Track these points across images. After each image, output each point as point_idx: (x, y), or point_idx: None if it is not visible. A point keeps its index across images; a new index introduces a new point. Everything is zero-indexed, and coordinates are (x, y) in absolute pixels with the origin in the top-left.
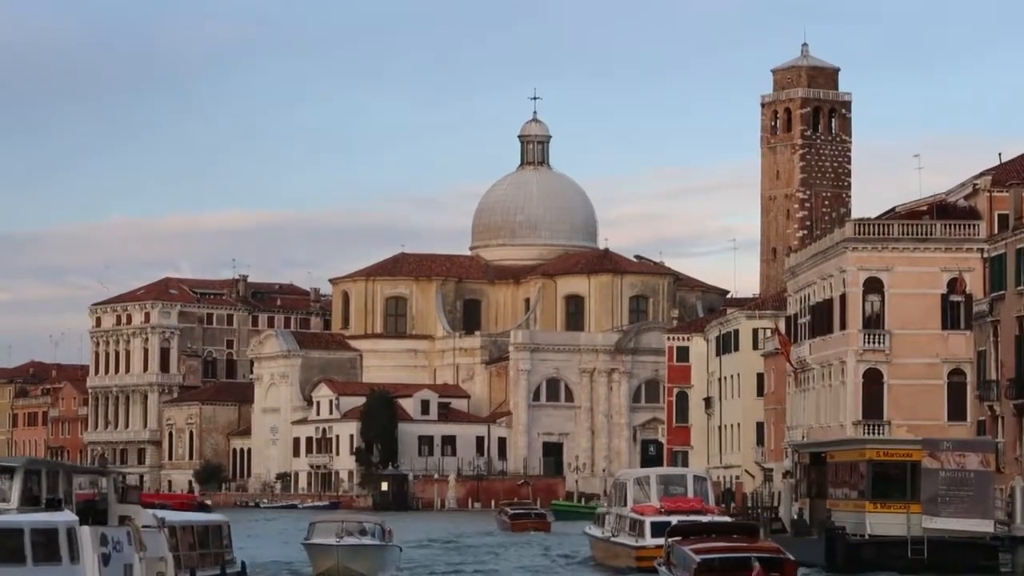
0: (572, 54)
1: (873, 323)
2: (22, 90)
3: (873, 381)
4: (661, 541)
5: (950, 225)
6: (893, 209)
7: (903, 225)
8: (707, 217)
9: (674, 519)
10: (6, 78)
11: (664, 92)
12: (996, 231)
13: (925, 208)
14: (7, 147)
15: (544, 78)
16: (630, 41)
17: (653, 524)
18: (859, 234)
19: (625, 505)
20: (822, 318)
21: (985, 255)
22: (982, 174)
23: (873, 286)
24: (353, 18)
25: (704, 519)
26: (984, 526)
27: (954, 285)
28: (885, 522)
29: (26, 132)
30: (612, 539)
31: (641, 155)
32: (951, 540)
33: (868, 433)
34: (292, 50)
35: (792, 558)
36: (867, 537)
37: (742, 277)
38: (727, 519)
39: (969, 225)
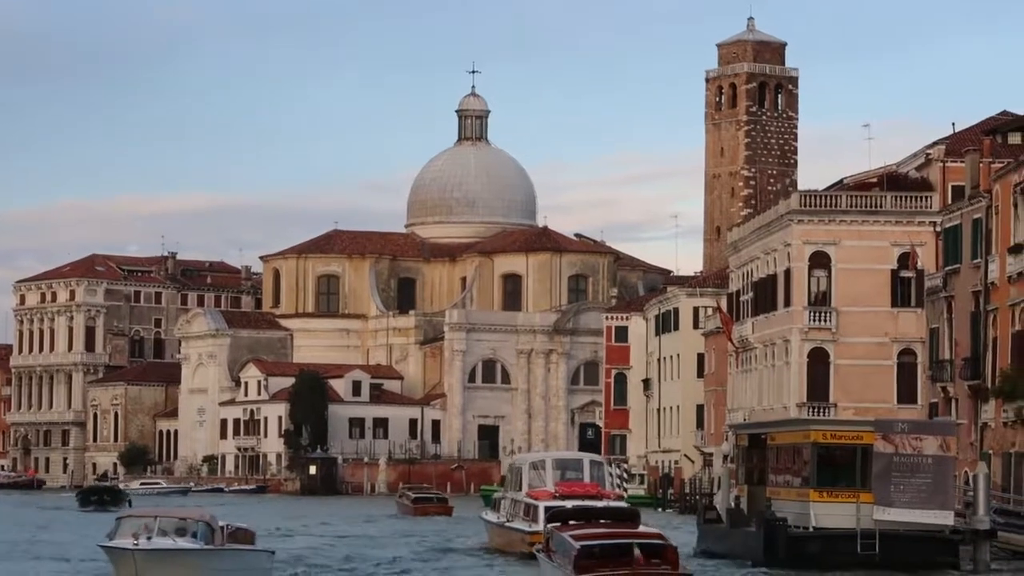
0: (511, 29)
1: (819, 300)
2: None
3: (818, 361)
4: None
5: (901, 197)
6: (841, 181)
7: (851, 197)
8: (654, 202)
9: (569, 504)
10: None
11: (607, 69)
12: (950, 203)
13: (875, 180)
14: None
15: (483, 54)
16: (571, 15)
17: (547, 509)
18: (805, 206)
19: (520, 490)
20: (765, 295)
21: (938, 228)
22: (935, 143)
23: (819, 261)
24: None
25: (599, 504)
26: (943, 518)
27: (905, 260)
28: (831, 513)
29: None
30: (506, 524)
31: (585, 135)
32: (906, 533)
33: (813, 415)
34: (234, 34)
35: (674, 544)
36: (811, 529)
37: (687, 259)
38: (622, 505)
39: (921, 197)
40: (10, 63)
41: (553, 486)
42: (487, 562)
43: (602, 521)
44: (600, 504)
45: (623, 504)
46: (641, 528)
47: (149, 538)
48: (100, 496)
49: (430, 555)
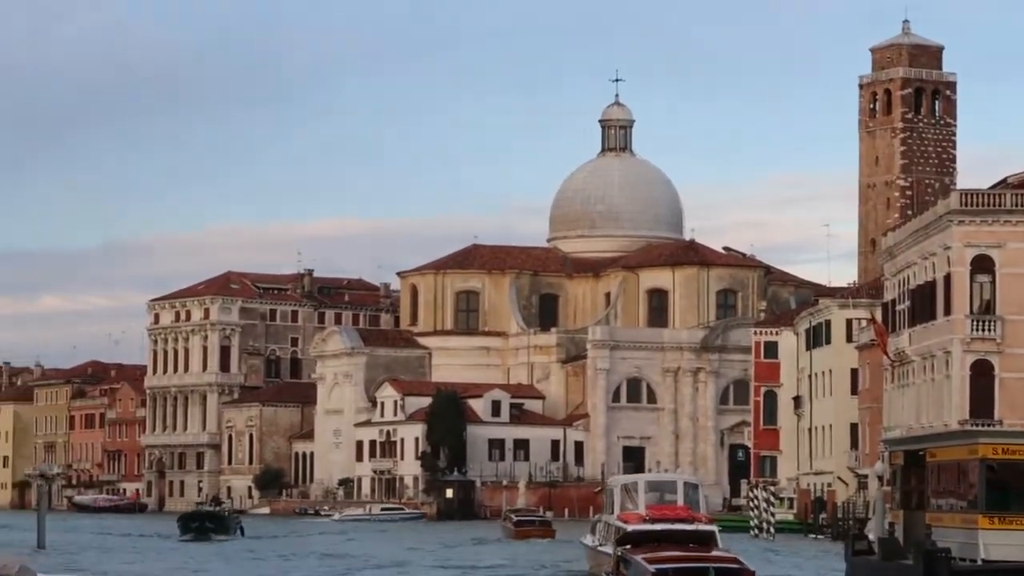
0: (656, 37)
1: (982, 308)
2: (131, 101)
3: (982, 374)
4: None
5: None
6: (1005, 180)
7: (1017, 195)
8: (806, 223)
9: (659, 527)
10: (112, 90)
11: (754, 75)
12: None
13: None
14: (113, 158)
15: (627, 62)
16: (718, 21)
17: (622, 531)
18: (966, 206)
19: (613, 513)
20: (923, 303)
21: None
22: None
23: (982, 265)
24: (431, 19)
25: (690, 527)
26: None
27: None
28: (1005, 543)
29: (131, 144)
30: (599, 548)
31: (733, 147)
32: None
33: None
34: (378, 58)
35: (751, 568)
36: (980, 563)
37: (840, 278)
38: (712, 528)
39: None
40: (165, 93)
41: (644, 508)
42: None
43: (666, 544)
44: (691, 527)
45: (708, 526)
46: (717, 552)
47: None
48: (201, 523)
49: None
